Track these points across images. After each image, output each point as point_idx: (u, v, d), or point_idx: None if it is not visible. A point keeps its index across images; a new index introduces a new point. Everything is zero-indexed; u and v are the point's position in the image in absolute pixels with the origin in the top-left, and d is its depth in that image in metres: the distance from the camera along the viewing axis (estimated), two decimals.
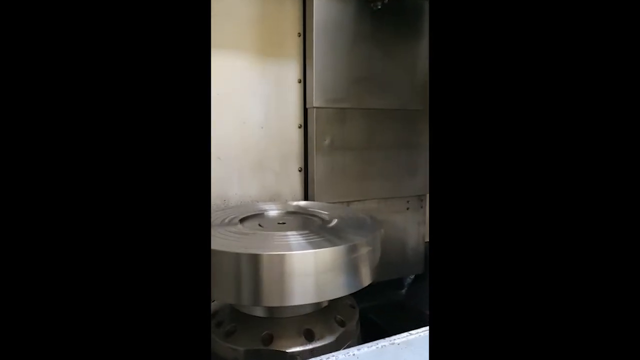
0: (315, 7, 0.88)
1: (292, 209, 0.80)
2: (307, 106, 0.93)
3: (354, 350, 0.42)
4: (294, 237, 0.58)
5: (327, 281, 0.54)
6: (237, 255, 0.52)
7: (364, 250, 0.58)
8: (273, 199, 0.94)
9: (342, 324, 0.63)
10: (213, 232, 0.61)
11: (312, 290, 0.53)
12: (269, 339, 0.58)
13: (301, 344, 0.58)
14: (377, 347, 0.42)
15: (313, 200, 0.93)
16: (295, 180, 0.96)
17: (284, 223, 0.70)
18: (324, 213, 0.74)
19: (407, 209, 1.05)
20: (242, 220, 0.70)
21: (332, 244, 0.55)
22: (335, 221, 0.68)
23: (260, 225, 0.69)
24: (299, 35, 0.93)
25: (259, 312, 0.62)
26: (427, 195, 1.05)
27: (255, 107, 0.91)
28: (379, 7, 0.91)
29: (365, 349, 0.42)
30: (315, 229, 0.64)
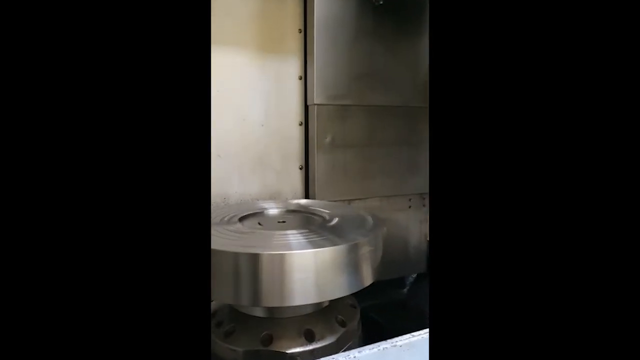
0: (316, 2, 0.86)
1: (292, 208, 0.79)
2: (308, 103, 0.92)
3: (354, 352, 0.41)
4: (294, 236, 0.57)
5: (328, 281, 0.53)
6: (236, 255, 0.51)
7: (365, 250, 0.57)
8: (273, 197, 0.93)
9: (343, 324, 0.62)
10: (212, 230, 0.60)
11: (313, 290, 0.52)
12: (269, 340, 0.57)
13: (301, 345, 0.57)
14: (379, 350, 0.41)
15: (314, 198, 0.92)
16: (295, 178, 0.95)
17: (284, 222, 0.69)
18: (325, 211, 0.73)
19: (409, 207, 1.04)
20: (241, 219, 0.69)
21: (333, 243, 0.54)
22: (336, 220, 0.67)
23: (260, 224, 0.68)
24: (300, 31, 0.91)
25: (258, 312, 0.61)
26: None
27: (255, 104, 0.90)
28: (381, 2, 0.90)
29: (367, 352, 0.41)
30: (315, 227, 0.63)
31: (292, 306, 0.57)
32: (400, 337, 0.43)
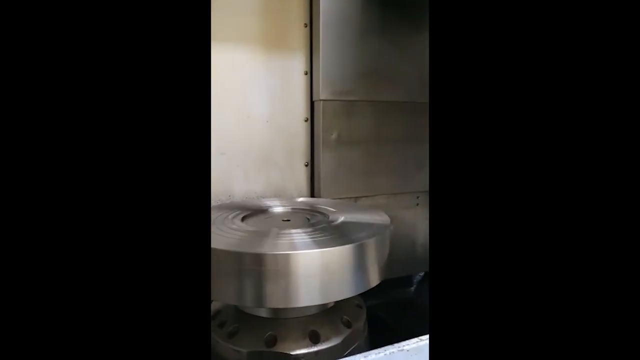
0: None
1: (297, 206, 0.78)
2: (314, 99, 0.91)
3: (360, 357, 0.39)
4: (298, 235, 0.56)
5: (334, 282, 0.52)
6: (240, 255, 0.50)
7: (372, 250, 0.55)
8: (278, 194, 0.92)
9: (348, 324, 0.61)
10: (216, 229, 0.59)
11: (318, 291, 0.51)
12: (273, 341, 0.56)
13: (306, 346, 0.56)
14: (385, 354, 0.40)
15: (319, 195, 0.91)
16: (301, 176, 0.94)
17: (288, 220, 0.68)
18: (331, 210, 0.72)
19: (417, 204, 1.02)
20: (245, 217, 0.68)
21: (339, 243, 0.52)
22: (342, 218, 0.65)
23: (264, 222, 0.67)
24: (305, 26, 0.90)
25: (262, 312, 0.60)
26: None
27: (260, 101, 0.88)
28: None
29: (373, 356, 0.40)
30: (321, 226, 0.61)
31: (297, 307, 0.56)
32: (407, 342, 0.41)
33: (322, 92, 0.87)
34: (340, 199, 0.91)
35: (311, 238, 0.54)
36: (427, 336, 0.42)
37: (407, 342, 0.41)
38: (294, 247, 0.51)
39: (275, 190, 0.92)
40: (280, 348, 0.55)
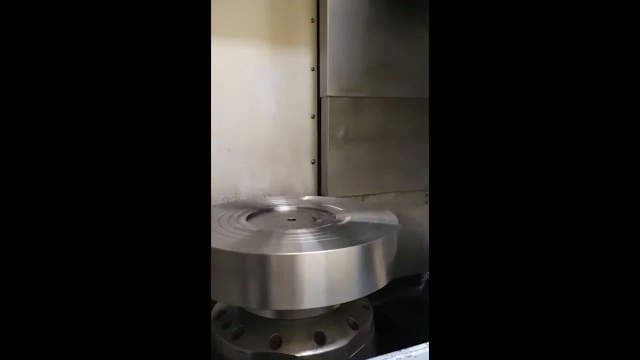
0: None
1: (303, 204, 0.76)
2: (321, 95, 0.89)
3: None
4: (304, 236, 0.55)
5: (340, 284, 0.51)
6: (244, 256, 0.49)
7: (379, 251, 0.54)
8: (285, 192, 0.91)
9: (355, 326, 0.60)
10: (220, 228, 0.58)
11: (324, 293, 0.50)
12: (278, 342, 0.55)
13: (311, 348, 0.55)
14: None
15: (326, 193, 0.90)
16: (307, 173, 0.93)
17: (294, 219, 0.67)
18: (337, 209, 0.71)
19: (425, 202, 1.00)
20: (250, 216, 0.67)
21: (345, 244, 0.51)
22: (348, 218, 0.64)
23: (269, 221, 0.66)
24: (312, 21, 0.88)
25: (267, 313, 0.59)
26: None
27: (266, 97, 0.87)
28: None
29: None
30: (327, 226, 0.60)
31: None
32: (414, 347, 0.40)
33: (330, 89, 0.86)
34: (347, 196, 0.89)
35: (317, 239, 0.53)
36: None
37: (414, 347, 0.40)
38: (299, 248, 0.50)
39: (282, 188, 0.91)
40: (285, 350, 0.54)
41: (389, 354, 0.39)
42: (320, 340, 0.56)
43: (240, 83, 0.84)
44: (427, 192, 1.00)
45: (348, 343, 0.57)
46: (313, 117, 0.91)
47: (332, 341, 0.56)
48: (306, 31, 0.88)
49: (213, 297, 0.52)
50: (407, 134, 0.95)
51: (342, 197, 0.88)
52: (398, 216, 0.66)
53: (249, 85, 0.85)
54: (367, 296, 0.64)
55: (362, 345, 0.59)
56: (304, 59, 0.89)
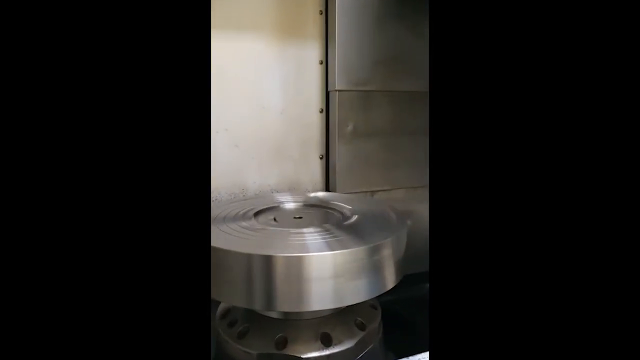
0: None
1: (310, 202, 0.75)
2: (329, 89, 0.87)
3: None
4: (311, 235, 0.54)
5: (347, 285, 0.50)
6: (249, 256, 0.48)
7: (387, 251, 0.53)
8: (292, 188, 0.90)
9: (362, 327, 0.59)
10: (225, 227, 0.57)
11: (331, 295, 0.49)
12: (283, 343, 0.55)
13: (317, 349, 0.54)
14: None
15: (334, 189, 0.88)
16: (315, 169, 0.92)
17: (300, 217, 0.66)
18: (344, 206, 0.69)
19: None
20: (256, 214, 0.66)
21: (353, 245, 0.50)
22: (356, 217, 0.63)
23: (275, 219, 0.65)
24: (321, 13, 0.86)
25: (273, 312, 0.58)
26: None
27: (274, 91, 0.86)
28: None
29: None
30: (334, 225, 0.59)
31: None
32: (423, 354, 0.39)
33: (338, 83, 0.84)
34: (356, 192, 0.88)
35: (323, 239, 0.52)
36: None
37: (422, 355, 0.39)
38: (305, 248, 0.49)
39: (290, 184, 0.90)
40: (291, 350, 0.54)
41: None
42: (327, 341, 0.55)
43: (247, 77, 0.83)
44: None
45: (355, 344, 0.56)
46: (321, 112, 0.90)
47: (339, 342, 0.55)
48: (314, 24, 0.87)
49: (217, 298, 0.52)
50: (417, 129, 0.93)
51: (351, 193, 0.87)
52: (408, 212, 0.64)
53: (256, 80, 0.84)
54: (375, 297, 0.63)
55: (370, 346, 0.58)
56: (312, 52, 0.87)
